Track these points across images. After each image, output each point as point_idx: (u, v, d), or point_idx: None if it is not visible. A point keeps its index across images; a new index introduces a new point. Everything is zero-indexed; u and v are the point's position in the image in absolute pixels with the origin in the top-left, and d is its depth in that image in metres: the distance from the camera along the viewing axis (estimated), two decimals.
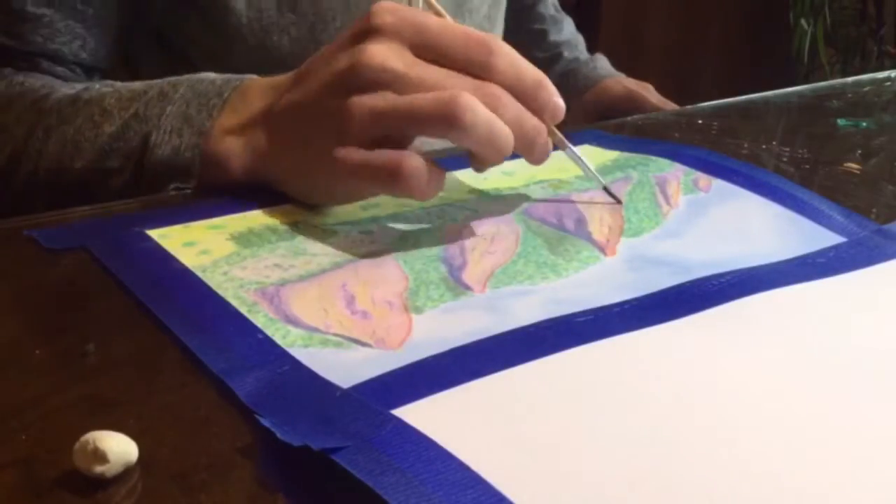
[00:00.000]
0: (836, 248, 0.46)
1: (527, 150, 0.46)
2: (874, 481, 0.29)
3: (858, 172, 0.58)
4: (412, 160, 0.43)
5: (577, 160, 0.50)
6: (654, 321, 0.38)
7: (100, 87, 0.56)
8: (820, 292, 0.41)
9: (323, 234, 0.45)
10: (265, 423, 0.30)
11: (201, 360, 0.35)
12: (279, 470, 0.29)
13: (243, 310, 0.38)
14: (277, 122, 0.48)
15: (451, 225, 0.46)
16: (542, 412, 0.32)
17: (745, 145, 0.61)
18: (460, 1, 0.76)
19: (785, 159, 0.59)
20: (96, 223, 0.46)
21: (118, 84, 0.56)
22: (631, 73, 0.92)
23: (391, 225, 0.46)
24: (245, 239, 0.44)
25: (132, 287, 0.40)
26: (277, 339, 0.36)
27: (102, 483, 0.28)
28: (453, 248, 0.44)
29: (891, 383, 0.34)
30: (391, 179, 0.43)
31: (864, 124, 0.67)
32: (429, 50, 0.45)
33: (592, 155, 0.57)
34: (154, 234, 0.44)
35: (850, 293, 0.41)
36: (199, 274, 0.41)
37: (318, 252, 0.43)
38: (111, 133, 0.52)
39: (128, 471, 0.29)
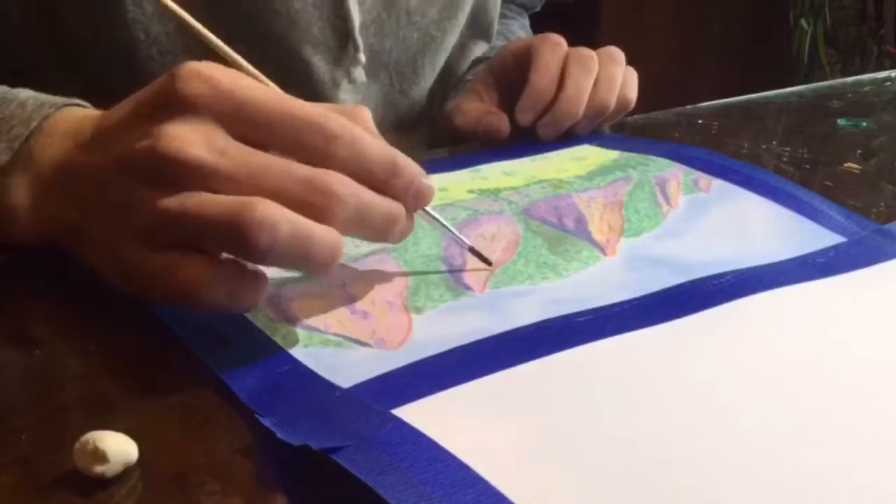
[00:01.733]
0: (836, 248, 0.46)
1: (383, 239, 0.39)
2: (874, 480, 0.29)
3: (858, 172, 0.58)
4: (194, 266, 0.35)
5: (443, 227, 0.43)
6: (654, 321, 0.38)
7: None
8: (820, 292, 0.41)
9: None
10: (265, 423, 0.30)
11: (201, 359, 0.35)
12: (279, 470, 0.29)
13: None
14: (72, 186, 0.40)
15: (451, 225, 0.46)
16: (542, 412, 0.32)
17: (745, 145, 0.62)
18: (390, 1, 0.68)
19: (785, 159, 0.59)
20: None
21: None
22: None
23: None
24: None
25: None
26: (277, 339, 0.36)
27: (102, 483, 0.28)
28: (453, 248, 0.44)
29: (891, 383, 0.34)
30: (167, 289, 0.35)
31: (864, 124, 0.67)
32: (251, 130, 0.36)
33: (593, 155, 0.57)
34: None
35: (850, 293, 0.41)
36: None
37: None
38: None
39: (128, 471, 0.29)
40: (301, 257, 0.34)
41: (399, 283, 0.41)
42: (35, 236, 0.41)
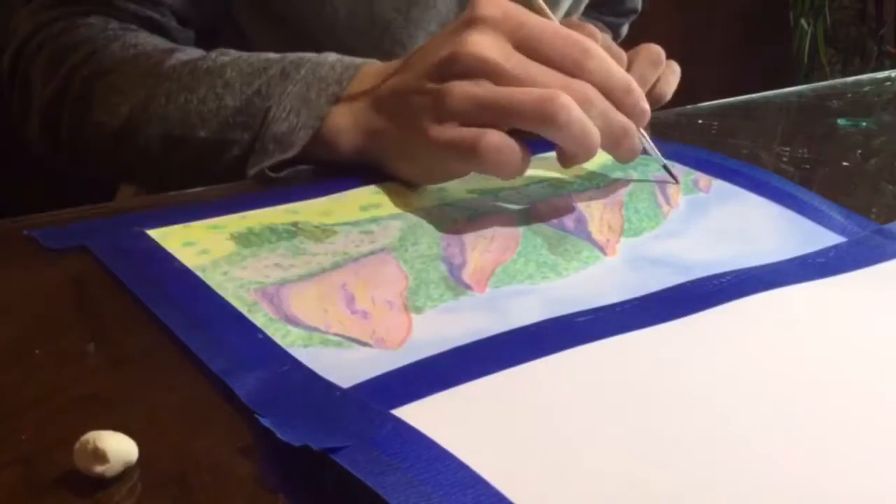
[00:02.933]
0: (836, 248, 0.46)
1: (613, 148, 0.48)
2: (874, 480, 0.29)
3: (858, 172, 0.58)
4: (492, 136, 0.45)
5: (654, 152, 0.52)
6: (654, 321, 0.38)
7: (216, 56, 0.58)
8: (820, 292, 0.41)
9: (323, 234, 0.45)
10: (265, 423, 0.30)
11: (201, 360, 0.35)
12: (279, 470, 0.29)
13: (243, 310, 0.38)
14: (382, 103, 0.51)
15: (451, 225, 0.46)
16: (542, 412, 0.32)
17: (745, 145, 0.61)
18: None
19: (785, 159, 0.59)
20: (96, 223, 0.46)
21: (234, 54, 0.58)
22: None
23: (391, 225, 0.46)
24: (245, 239, 0.44)
25: (132, 287, 0.40)
26: (277, 338, 0.36)
27: (102, 483, 0.28)
28: (453, 248, 0.44)
29: (891, 383, 0.34)
30: (471, 154, 0.45)
31: (864, 124, 0.67)
32: (527, 45, 0.47)
33: None
34: (154, 234, 0.44)
35: (850, 293, 0.41)
36: (199, 274, 0.41)
37: (318, 252, 0.43)
38: (235, 107, 0.55)
39: (128, 471, 0.29)
40: (579, 138, 0.45)
41: (399, 282, 0.41)
42: (353, 151, 0.52)
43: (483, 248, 0.44)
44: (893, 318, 0.39)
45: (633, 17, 0.96)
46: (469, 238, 0.45)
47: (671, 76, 0.64)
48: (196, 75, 0.57)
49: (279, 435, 0.29)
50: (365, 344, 0.36)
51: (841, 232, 0.47)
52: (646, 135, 0.51)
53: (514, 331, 0.37)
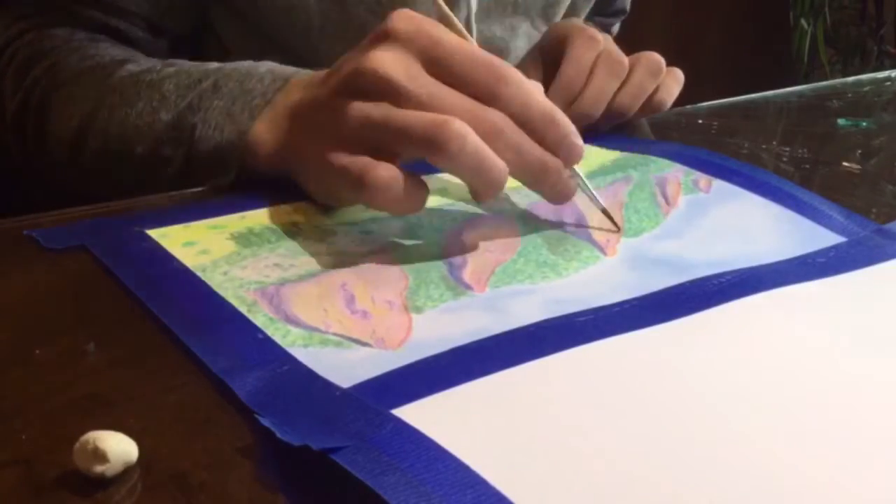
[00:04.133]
0: (836, 248, 0.46)
1: (533, 186, 0.45)
2: (874, 480, 0.29)
3: (858, 172, 0.58)
4: (380, 171, 0.41)
5: (590, 194, 0.47)
6: (654, 321, 0.38)
7: (162, 67, 0.57)
8: (820, 292, 0.41)
9: (323, 234, 0.45)
10: (265, 423, 0.30)
11: (201, 360, 0.35)
12: (279, 470, 0.29)
13: (243, 309, 0.38)
14: (296, 118, 0.49)
15: (451, 225, 0.46)
16: (542, 412, 0.32)
17: (745, 145, 0.61)
18: None
19: (785, 159, 0.59)
20: (96, 223, 0.46)
21: (179, 65, 0.57)
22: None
23: (391, 225, 0.46)
24: (245, 239, 0.44)
25: (132, 287, 0.40)
26: (277, 338, 0.36)
27: (102, 483, 0.28)
28: (453, 248, 0.44)
29: (891, 382, 0.34)
30: (358, 186, 0.42)
31: (864, 124, 0.67)
32: (438, 65, 0.43)
33: (593, 155, 0.57)
34: (154, 234, 0.44)
35: (850, 293, 0.41)
36: (199, 274, 0.41)
37: (318, 252, 0.43)
38: (167, 121, 0.54)
39: (128, 471, 0.29)
40: (475, 171, 0.41)
41: (399, 282, 0.41)
42: (273, 166, 0.49)
43: (483, 248, 0.44)
44: (893, 318, 0.39)
45: (622, 17, 0.95)
46: (469, 238, 0.45)
47: (673, 84, 0.62)
48: (138, 88, 0.56)
49: (279, 435, 0.29)
50: (365, 344, 0.36)
51: (841, 232, 0.47)
52: (580, 172, 0.46)
53: (514, 331, 0.37)
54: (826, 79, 2.05)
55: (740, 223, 0.48)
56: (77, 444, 0.28)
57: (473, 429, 0.31)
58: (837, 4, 2.36)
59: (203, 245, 0.43)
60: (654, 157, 0.56)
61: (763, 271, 0.42)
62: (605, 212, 0.46)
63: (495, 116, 0.42)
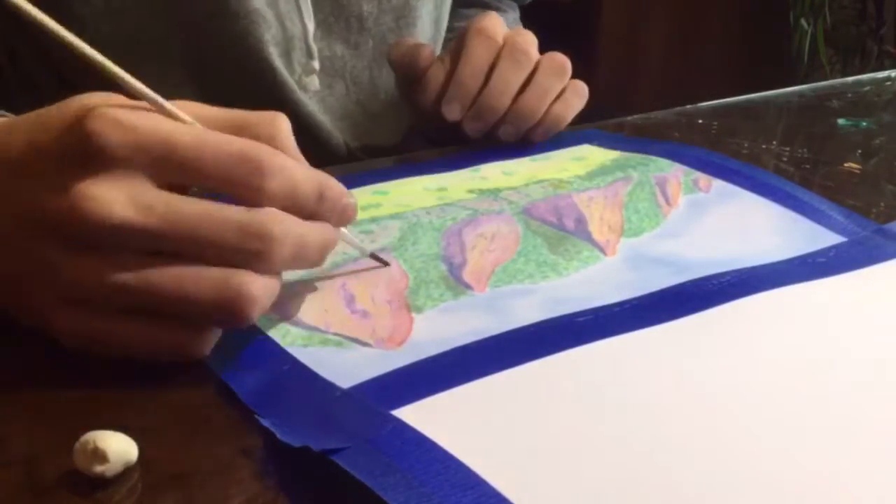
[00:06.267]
0: (836, 248, 0.46)
1: (315, 266, 0.38)
2: (874, 480, 0.29)
3: (858, 172, 0.58)
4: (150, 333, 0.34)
5: (356, 246, 0.43)
6: (654, 321, 0.38)
7: None
8: (820, 292, 0.41)
9: None
10: (265, 423, 0.30)
11: (201, 360, 0.34)
12: (279, 470, 0.29)
13: None
14: None
15: (451, 224, 0.46)
16: (542, 412, 0.32)
17: (745, 145, 0.61)
18: None
19: (785, 159, 0.59)
20: None
21: None
22: (631, 73, 0.89)
23: (391, 225, 0.46)
24: None
25: None
26: (277, 338, 0.36)
27: (102, 483, 0.28)
28: (453, 247, 0.44)
29: (891, 383, 0.34)
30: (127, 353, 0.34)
31: (864, 124, 0.67)
32: (180, 175, 0.33)
33: (593, 155, 0.57)
34: None
35: (850, 293, 0.41)
36: None
37: None
38: None
39: (128, 470, 0.29)
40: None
41: (399, 282, 0.41)
42: None
43: (483, 247, 0.44)
44: (893, 318, 0.39)
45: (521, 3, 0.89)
46: (469, 238, 0.45)
47: (573, 98, 0.58)
48: None
49: (279, 436, 0.29)
50: (365, 344, 0.36)
51: (841, 232, 0.47)
52: (346, 231, 0.40)
53: (515, 331, 0.37)
54: (826, 79, 2.05)
55: (740, 223, 0.48)
56: (77, 444, 0.28)
57: (473, 429, 0.31)
58: (837, 4, 2.36)
59: None
60: (654, 157, 0.56)
61: (763, 271, 0.42)
62: (373, 255, 0.43)
63: (268, 220, 0.34)
